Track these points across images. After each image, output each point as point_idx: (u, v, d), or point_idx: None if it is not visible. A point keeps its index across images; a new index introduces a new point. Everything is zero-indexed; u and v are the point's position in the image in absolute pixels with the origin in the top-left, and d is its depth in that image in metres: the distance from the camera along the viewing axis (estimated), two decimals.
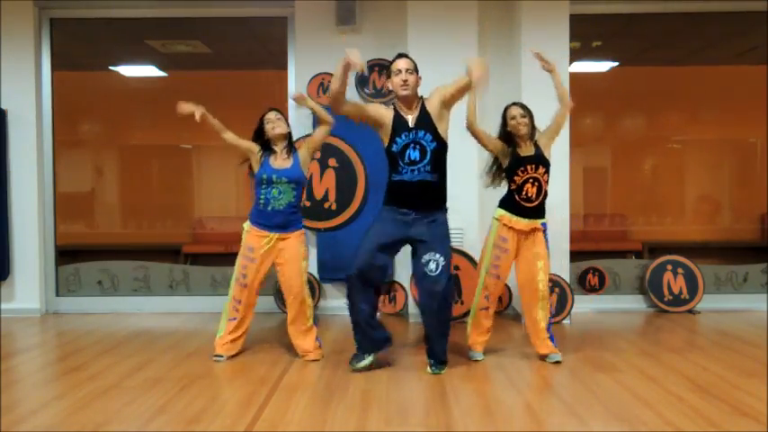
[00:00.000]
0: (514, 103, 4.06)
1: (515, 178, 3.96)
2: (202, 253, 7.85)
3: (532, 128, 4.00)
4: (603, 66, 7.65)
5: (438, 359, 3.76)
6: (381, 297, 4.95)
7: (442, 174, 3.70)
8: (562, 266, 5.24)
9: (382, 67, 5.52)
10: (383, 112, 3.74)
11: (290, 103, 5.69)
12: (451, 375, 3.71)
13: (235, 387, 3.55)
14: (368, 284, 3.74)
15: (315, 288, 5.51)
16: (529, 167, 3.93)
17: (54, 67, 5.82)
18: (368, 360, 3.80)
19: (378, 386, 3.52)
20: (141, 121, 8.82)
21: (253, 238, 4.03)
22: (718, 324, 5.10)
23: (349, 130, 5.42)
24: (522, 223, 3.96)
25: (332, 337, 4.68)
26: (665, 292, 5.62)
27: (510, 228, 3.97)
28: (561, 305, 5.15)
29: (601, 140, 8.63)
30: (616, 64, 7.63)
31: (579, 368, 3.86)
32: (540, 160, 3.96)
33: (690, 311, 5.55)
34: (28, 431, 2.91)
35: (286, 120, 4.13)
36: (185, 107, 4.06)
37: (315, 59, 5.56)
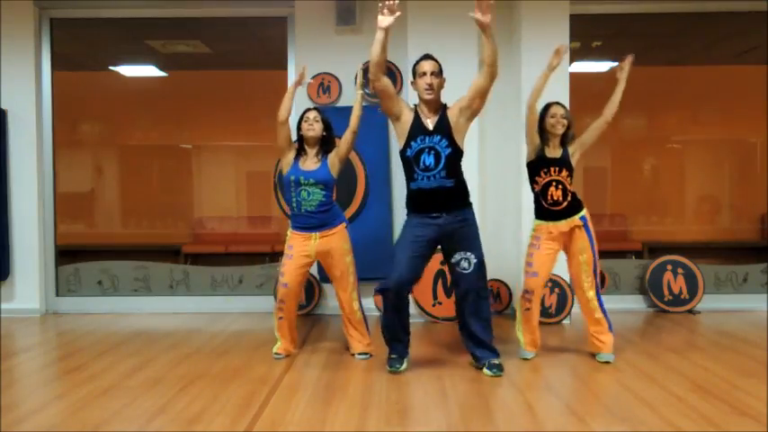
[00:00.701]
0: (557, 103, 4.03)
1: (537, 179, 3.94)
2: (202, 253, 7.84)
3: (567, 132, 3.98)
4: (603, 66, 7.65)
5: (491, 357, 3.72)
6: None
7: (458, 178, 3.69)
8: (562, 266, 5.22)
9: None
10: (406, 111, 3.73)
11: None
12: (452, 375, 3.71)
13: (235, 387, 3.55)
14: (405, 297, 3.77)
15: (314, 288, 5.52)
16: (552, 170, 3.92)
17: (54, 67, 5.82)
18: (406, 364, 3.81)
19: (378, 386, 3.52)
20: (141, 121, 8.82)
21: (294, 238, 4.04)
22: (718, 324, 5.10)
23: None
24: (560, 225, 3.94)
25: (332, 337, 4.68)
26: (665, 292, 5.62)
27: (549, 232, 3.95)
28: (561, 305, 5.15)
29: (601, 140, 8.58)
30: (616, 64, 7.61)
31: (579, 368, 3.85)
32: (565, 164, 3.93)
33: (690, 311, 5.54)
34: (28, 431, 2.91)
35: (325, 121, 4.08)
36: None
37: (315, 59, 5.55)
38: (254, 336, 4.67)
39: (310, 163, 4.01)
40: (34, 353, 4.44)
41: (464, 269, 3.66)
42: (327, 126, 4.09)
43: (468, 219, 3.71)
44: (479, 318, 3.74)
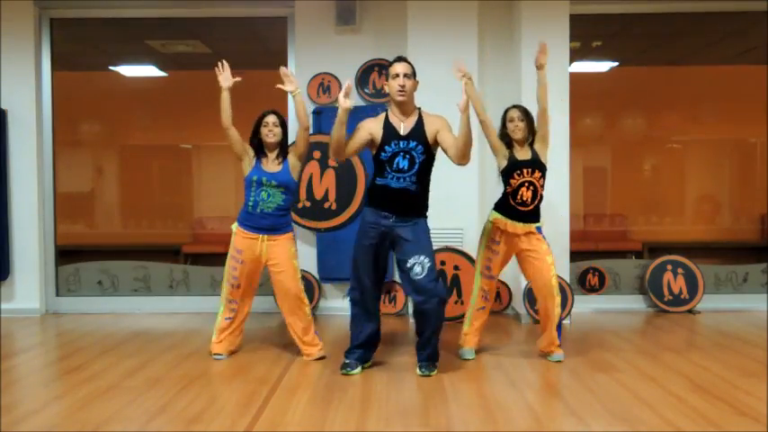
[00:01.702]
0: (514, 106, 4.05)
1: (511, 181, 3.96)
2: (202, 253, 7.84)
3: (530, 132, 3.99)
4: (603, 66, 7.65)
5: (430, 360, 3.75)
6: (382, 297, 4.94)
7: (424, 185, 3.70)
8: (562, 266, 5.23)
9: (382, 67, 5.52)
10: (373, 128, 3.69)
11: (290, 104, 5.69)
12: (451, 375, 3.71)
13: (235, 387, 3.55)
14: (369, 302, 3.78)
15: (314, 288, 5.52)
16: (525, 171, 3.93)
17: (54, 67, 5.82)
18: (359, 370, 3.80)
19: (378, 386, 3.52)
20: (141, 121, 8.82)
21: (241, 240, 4.01)
22: (718, 324, 5.10)
23: (349, 131, 5.42)
24: (518, 227, 3.96)
25: (332, 338, 4.68)
26: (665, 292, 5.62)
27: (503, 231, 3.98)
28: (561, 305, 5.13)
29: (601, 140, 8.63)
30: (616, 64, 7.63)
31: (579, 368, 3.85)
32: (536, 164, 3.95)
33: (690, 311, 5.54)
34: (28, 431, 2.91)
35: (283, 124, 4.07)
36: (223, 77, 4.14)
37: (315, 59, 5.57)
38: (253, 336, 4.67)
39: (272, 165, 4.01)
40: (34, 353, 4.44)
41: (417, 275, 3.60)
42: (285, 130, 4.09)
43: (419, 224, 3.68)
44: (431, 329, 3.69)
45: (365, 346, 3.84)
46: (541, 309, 4.06)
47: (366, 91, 5.56)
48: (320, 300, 5.58)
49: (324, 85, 5.56)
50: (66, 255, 6.17)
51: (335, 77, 5.55)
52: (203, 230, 8.56)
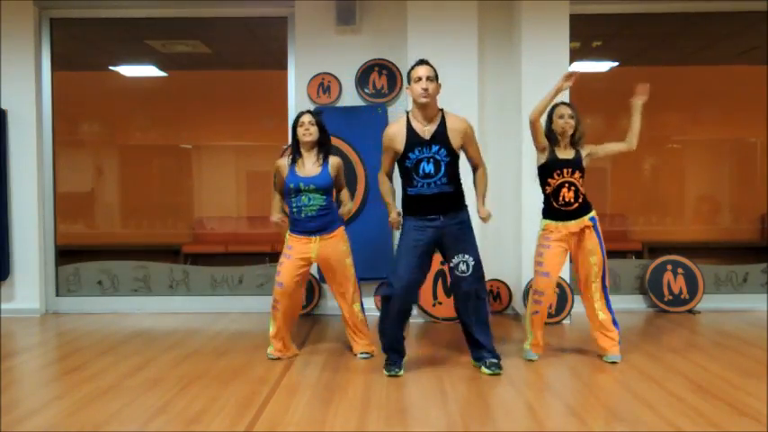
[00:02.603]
0: (564, 103, 4.01)
1: (550, 180, 3.92)
2: (202, 253, 7.84)
3: (576, 131, 3.96)
4: (603, 66, 7.65)
5: (490, 357, 3.73)
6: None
7: (457, 182, 3.72)
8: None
9: (382, 67, 5.52)
10: (396, 138, 3.67)
11: (290, 104, 5.69)
12: (451, 375, 3.71)
13: (235, 387, 3.55)
14: (411, 303, 3.80)
15: (314, 288, 5.52)
16: (565, 171, 3.90)
17: (54, 67, 5.82)
18: (404, 369, 3.78)
19: (378, 386, 3.52)
20: (141, 121, 8.82)
21: (294, 240, 4.02)
22: (718, 324, 5.10)
23: (349, 131, 5.44)
24: (570, 225, 3.93)
25: (332, 338, 4.68)
26: (665, 292, 5.62)
27: (555, 231, 3.93)
28: (561, 305, 5.14)
29: (601, 140, 8.59)
30: (616, 64, 7.63)
31: (579, 368, 3.85)
32: (578, 166, 3.93)
33: (690, 311, 5.54)
34: (28, 431, 2.91)
35: (321, 125, 4.04)
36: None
37: (315, 59, 5.56)
38: (253, 336, 4.67)
39: (310, 167, 3.99)
40: (34, 353, 4.44)
41: (462, 272, 3.67)
42: (323, 128, 4.06)
43: (464, 221, 3.73)
44: (478, 320, 3.74)
45: (397, 349, 3.82)
46: (585, 306, 4.05)
47: (366, 91, 5.56)
48: (320, 300, 5.58)
49: (324, 85, 5.56)
50: (66, 255, 6.17)
51: (335, 77, 5.55)
52: (203, 230, 8.56)
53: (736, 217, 8.66)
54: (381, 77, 5.51)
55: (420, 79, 3.59)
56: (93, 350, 4.37)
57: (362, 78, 5.55)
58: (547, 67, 5.17)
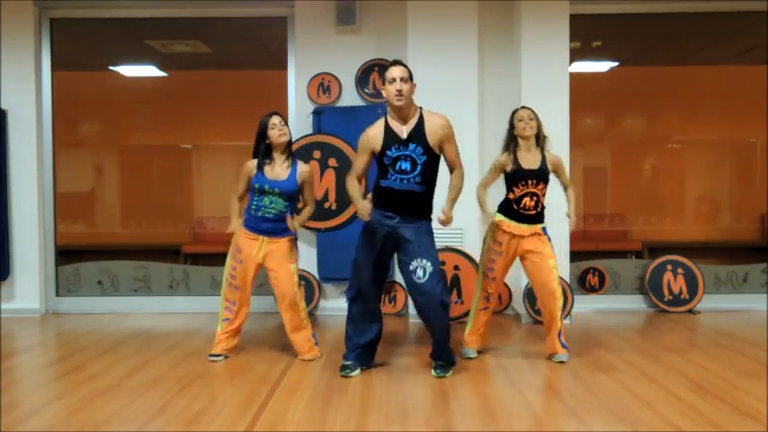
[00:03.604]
0: (523, 107, 4.03)
1: (514, 189, 3.95)
2: (202, 253, 7.84)
3: (538, 133, 3.98)
4: (603, 66, 7.65)
5: (442, 362, 3.74)
6: (382, 297, 4.94)
7: (430, 186, 3.68)
8: (562, 266, 5.23)
9: (382, 67, 5.51)
10: (373, 140, 3.66)
11: (290, 104, 5.69)
12: (451, 375, 3.70)
13: (235, 387, 3.55)
14: (369, 302, 3.77)
15: (314, 288, 5.52)
16: (530, 182, 3.92)
17: (54, 67, 5.82)
18: (358, 371, 3.77)
19: (378, 386, 3.52)
20: (141, 121, 8.82)
21: (242, 240, 4.03)
22: (718, 324, 5.10)
23: (349, 131, 5.43)
24: (522, 228, 3.96)
25: (332, 338, 4.68)
26: (665, 292, 5.62)
27: (507, 232, 3.98)
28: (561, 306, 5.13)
29: (601, 140, 8.63)
30: (616, 64, 7.63)
31: (579, 368, 3.85)
32: (543, 177, 3.95)
33: (690, 311, 5.55)
34: (28, 431, 2.91)
35: (287, 124, 4.06)
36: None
37: (315, 59, 5.57)
38: (253, 336, 4.67)
39: (279, 170, 3.97)
40: (34, 353, 4.44)
41: (419, 278, 3.61)
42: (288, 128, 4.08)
43: (422, 227, 3.68)
44: (437, 324, 3.69)
45: (365, 348, 3.83)
46: (543, 311, 4.06)
47: (366, 91, 5.56)
48: (320, 300, 5.58)
49: (324, 85, 5.56)
50: (66, 255, 6.17)
51: (335, 77, 5.55)
52: (203, 230, 8.56)
53: (737, 217, 8.67)
54: (381, 77, 5.51)
55: (394, 80, 3.56)
56: (93, 350, 4.37)
57: (362, 78, 5.55)
58: (547, 67, 5.18)
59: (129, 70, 7.98)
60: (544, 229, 4.02)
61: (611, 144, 8.68)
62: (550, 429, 2.93)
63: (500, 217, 4.02)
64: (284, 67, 5.74)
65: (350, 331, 3.83)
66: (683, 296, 5.60)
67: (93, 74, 8.29)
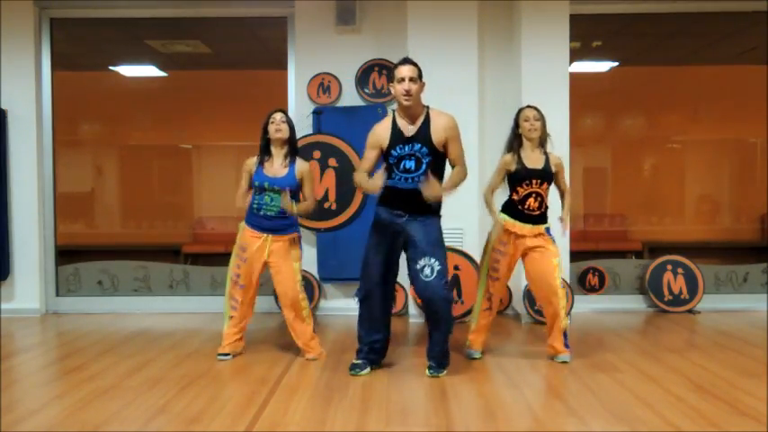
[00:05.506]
0: (529, 106, 4.02)
1: (518, 189, 3.94)
2: (202, 253, 7.84)
3: (544, 134, 3.97)
4: (603, 66, 7.65)
5: (438, 361, 3.74)
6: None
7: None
8: (566, 267, 5.23)
9: (382, 67, 5.52)
10: (381, 137, 3.67)
11: (290, 104, 5.69)
12: (451, 375, 3.71)
13: (235, 387, 3.55)
14: (379, 302, 3.76)
15: (314, 288, 5.52)
16: (534, 182, 3.92)
17: (54, 67, 5.82)
18: (368, 370, 3.78)
19: (378, 386, 3.52)
20: (141, 121, 8.82)
21: (246, 238, 4.04)
22: (718, 324, 5.10)
23: (349, 131, 5.44)
24: (526, 229, 3.95)
25: (332, 338, 4.68)
26: (665, 292, 5.62)
27: (511, 232, 3.97)
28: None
29: (601, 140, 8.63)
30: (616, 64, 7.63)
31: (579, 368, 3.85)
32: (547, 177, 3.94)
33: (690, 311, 5.55)
34: (28, 431, 2.91)
35: (291, 124, 4.06)
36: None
37: (315, 59, 5.57)
38: (253, 336, 4.67)
39: (278, 167, 3.99)
40: (34, 353, 4.44)
41: (426, 276, 3.59)
42: (292, 128, 4.07)
43: (431, 224, 3.67)
44: (439, 323, 3.68)
45: (375, 346, 3.82)
46: (545, 310, 4.05)
47: (366, 91, 5.56)
48: (320, 300, 5.58)
49: (324, 85, 5.56)
50: (66, 255, 6.17)
51: (335, 77, 5.55)
52: (203, 230, 8.56)
53: (737, 217, 8.67)
54: (381, 77, 5.52)
55: (403, 80, 3.56)
56: (93, 350, 4.37)
57: (362, 78, 5.55)
58: (547, 67, 5.18)
59: (129, 70, 7.98)
60: (548, 229, 4.01)
61: (611, 144, 8.68)
62: (550, 429, 2.93)
63: (504, 217, 4.01)
64: (284, 67, 5.74)
65: (361, 331, 3.83)
66: (683, 296, 5.60)
67: (93, 74, 8.29)
